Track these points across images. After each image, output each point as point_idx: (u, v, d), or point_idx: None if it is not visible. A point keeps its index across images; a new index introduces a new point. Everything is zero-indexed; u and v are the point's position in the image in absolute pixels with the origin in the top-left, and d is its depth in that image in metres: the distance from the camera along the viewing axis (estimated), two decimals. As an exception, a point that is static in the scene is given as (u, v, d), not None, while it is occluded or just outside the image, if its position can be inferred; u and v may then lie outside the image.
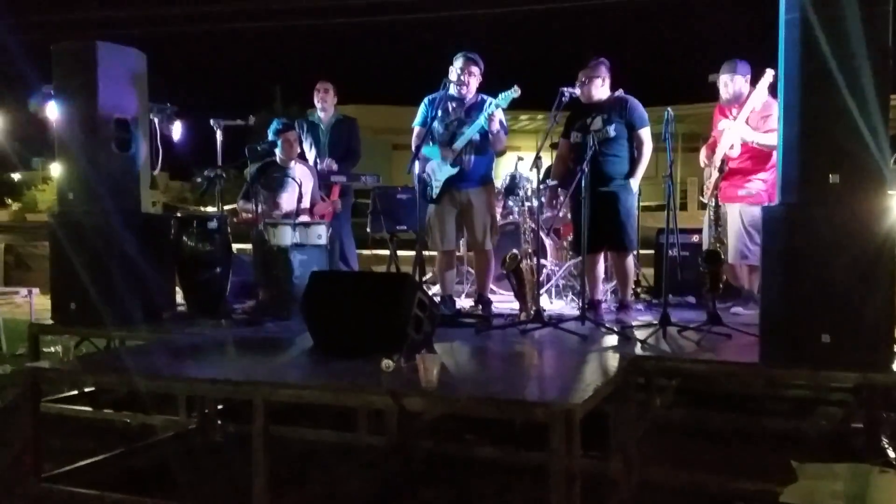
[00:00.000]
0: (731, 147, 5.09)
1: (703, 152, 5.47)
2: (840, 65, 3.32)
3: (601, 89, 4.98)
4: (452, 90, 5.04)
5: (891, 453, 3.52)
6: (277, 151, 5.48)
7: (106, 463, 3.82)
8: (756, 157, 5.13)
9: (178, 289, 5.26)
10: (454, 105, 5.08)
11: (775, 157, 5.14)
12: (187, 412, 4.57)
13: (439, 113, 5.04)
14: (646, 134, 4.98)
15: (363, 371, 3.27)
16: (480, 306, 5.14)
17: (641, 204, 6.55)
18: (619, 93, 5.04)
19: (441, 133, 5.07)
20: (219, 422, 4.50)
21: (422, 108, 5.16)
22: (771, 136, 4.96)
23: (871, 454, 3.60)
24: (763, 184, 5.13)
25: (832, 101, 3.33)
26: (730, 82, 5.11)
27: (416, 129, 5.16)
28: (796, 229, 3.43)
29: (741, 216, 5.07)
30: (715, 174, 5.25)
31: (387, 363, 3.23)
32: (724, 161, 4.94)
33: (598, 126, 4.89)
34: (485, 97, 5.03)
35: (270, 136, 5.50)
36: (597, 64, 4.96)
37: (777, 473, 3.31)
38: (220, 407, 4.51)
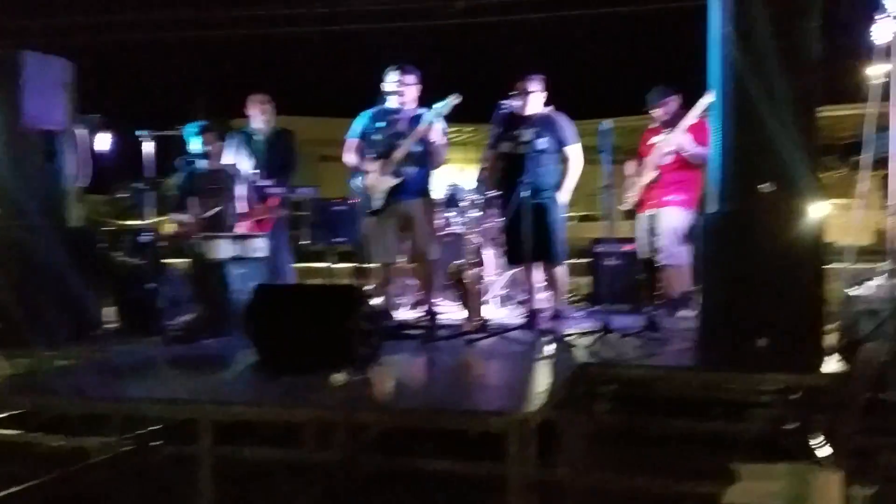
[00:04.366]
0: (663, 156, 5.34)
1: (629, 164, 5.70)
2: (769, 78, 3.49)
3: (537, 104, 5.10)
4: (392, 103, 5.03)
5: (823, 451, 3.68)
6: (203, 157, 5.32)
7: (39, 488, 3.63)
8: (684, 168, 5.42)
9: (108, 306, 5.07)
10: (395, 117, 5.07)
11: (700, 169, 5.47)
12: (121, 433, 4.39)
13: (379, 125, 5.02)
14: (573, 151, 5.12)
15: (312, 386, 3.22)
16: (427, 318, 5.11)
17: (578, 214, 6.73)
18: (550, 109, 5.16)
19: (381, 145, 5.05)
20: (156, 443, 4.34)
21: (357, 121, 5.12)
22: (703, 151, 5.23)
23: (805, 453, 3.76)
24: (688, 192, 5.44)
25: (763, 113, 3.49)
26: (666, 107, 5.49)
27: (349, 140, 5.11)
28: (732, 237, 3.58)
29: (668, 220, 5.31)
30: (642, 183, 5.50)
31: (336, 378, 3.19)
32: (661, 172, 5.16)
33: (528, 138, 4.98)
34: (426, 110, 5.03)
35: (194, 139, 5.32)
36: (537, 79, 5.06)
37: (717, 475, 3.42)
38: (156, 427, 4.36)
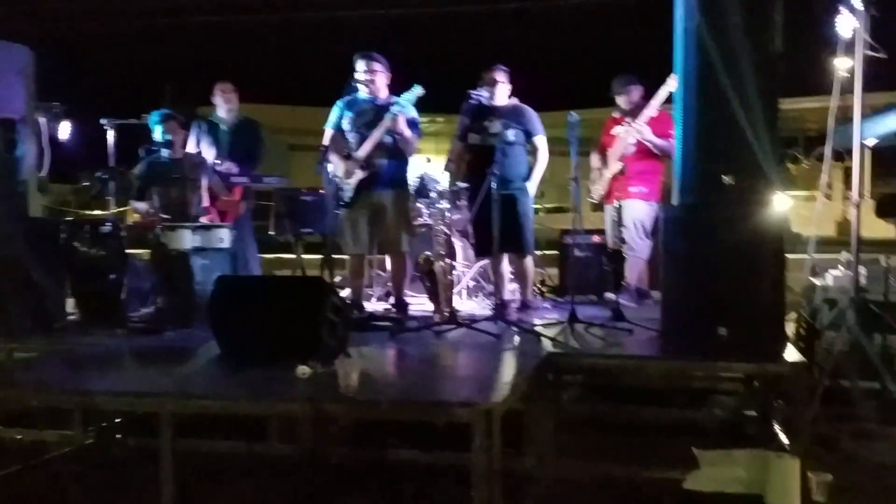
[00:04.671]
0: (626, 148, 5.36)
1: (594, 156, 5.72)
2: (733, 71, 3.52)
3: (504, 95, 5.11)
4: (363, 93, 5.01)
5: (783, 438, 3.74)
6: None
7: (-1, 483, 3.57)
8: (646, 159, 5.45)
9: (70, 297, 4.98)
10: (366, 107, 5.04)
11: (662, 160, 5.49)
12: (83, 427, 4.33)
13: (351, 115, 5.01)
14: (541, 142, 5.16)
15: (277, 379, 3.19)
16: (396, 310, 5.11)
17: (545, 206, 6.75)
18: (515, 101, 5.17)
19: (352, 135, 5.03)
20: (118, 436, 4.29)
21: (335, 110, 5.08)
22: (669, 142, 5.26)
23: (765, 440, 3.82)
24: (650, 184, 5.48)
25: (727, 106, 3.52)
26: (629, 95, 5.50)
27: (328, 130, 5.08)
28: (694, 229, 3.61)
29: (631, 212, 5.34)
30: (608, 175, 5.51)
31: (302, 370, 3.17)
32: (626, 164, 5.19)
33: (497, 129, 4.99)
34: (396, 99, 5.01)
35: (157, 129, 5.22)
36: (503, 70, 5.08)
37: (680, 461, 3.47)
38: (118, 420, 4.30)
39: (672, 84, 5.09)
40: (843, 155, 5.75)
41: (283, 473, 3.83)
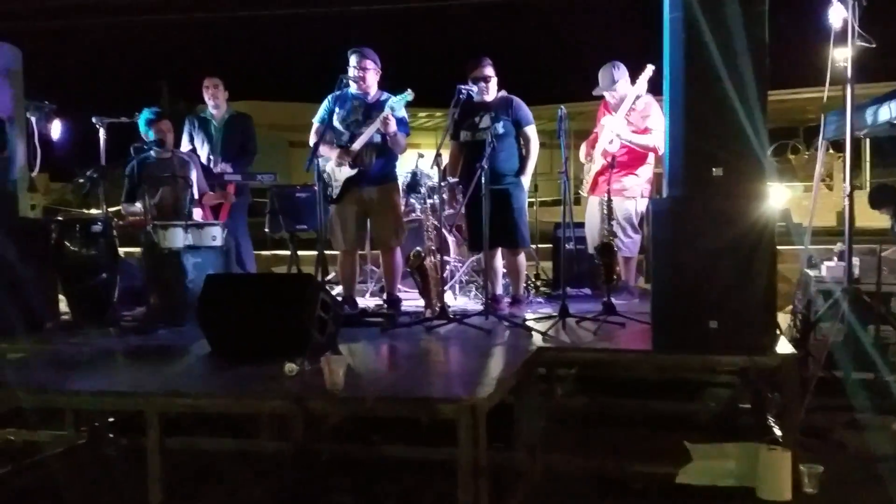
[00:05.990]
0: (611, 142, 5.30)
1: (583, 148, 5.65)
2: (721, 62, 3.48)
3: (493, 89, 5.08)
4: (353, 89, 5.00)
5: (777, 431, 3.73)
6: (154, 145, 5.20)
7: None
8: (632, 154, 5.34)
9: (61, 297, 4.96)
10: (356, 104, 5.03)
11: (650, 155, 5.40)
12: (75, 426, 4.33)
13: (341, 111, 4.99)
14: (532, 131, 5.13)
15: (265, 376, 3.19)
16: (387, 306, 5.10)
17: (539, 199, 6.70)
18: (503, 93, 5.14)
19: (341, 132, 5.01)
20: (110, 435, 4.28)
21: (324, 105, 5.08)
22: (646, 137, 5.19)
23: (759, 432, 3.81)
24: (637, 179, 5.35)
25: (714, 97, 3.48)
26: (614, 91, 5.32)
27: (316, 125, 5.07)
28: (682, 221, 3.57)
29: (618, 208, 5.25)
30: (595, 168, 5.45)
31: (290, 367, 3.16)
32: (614, 157, 5.13)
33: (486, 124, 4.98)
34: (388, 96, 4.99)
35: (142, 128, 5.20)
36: (487, 63, 5.03)
37: (672, 455, 3.45)
38: (111, 420, 4.30)
39: (649, 71, 5.05)
40: (843, 145, 5.69)
41: (273, 470, 3.83)
